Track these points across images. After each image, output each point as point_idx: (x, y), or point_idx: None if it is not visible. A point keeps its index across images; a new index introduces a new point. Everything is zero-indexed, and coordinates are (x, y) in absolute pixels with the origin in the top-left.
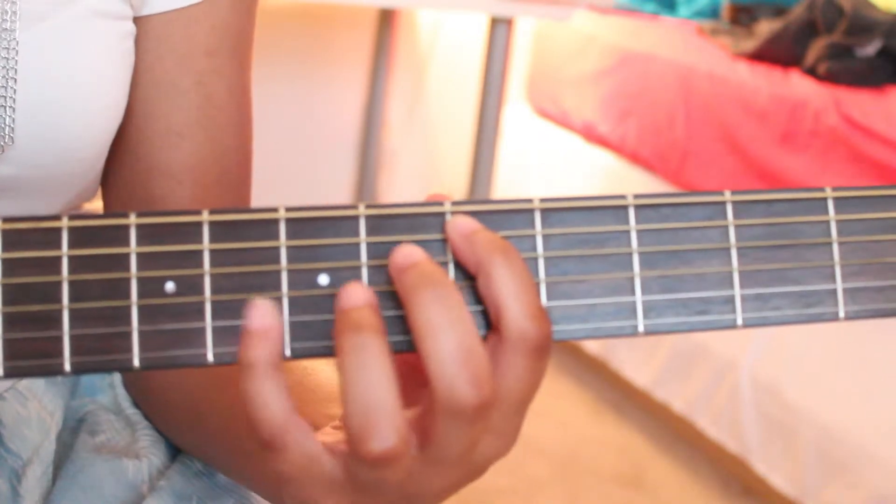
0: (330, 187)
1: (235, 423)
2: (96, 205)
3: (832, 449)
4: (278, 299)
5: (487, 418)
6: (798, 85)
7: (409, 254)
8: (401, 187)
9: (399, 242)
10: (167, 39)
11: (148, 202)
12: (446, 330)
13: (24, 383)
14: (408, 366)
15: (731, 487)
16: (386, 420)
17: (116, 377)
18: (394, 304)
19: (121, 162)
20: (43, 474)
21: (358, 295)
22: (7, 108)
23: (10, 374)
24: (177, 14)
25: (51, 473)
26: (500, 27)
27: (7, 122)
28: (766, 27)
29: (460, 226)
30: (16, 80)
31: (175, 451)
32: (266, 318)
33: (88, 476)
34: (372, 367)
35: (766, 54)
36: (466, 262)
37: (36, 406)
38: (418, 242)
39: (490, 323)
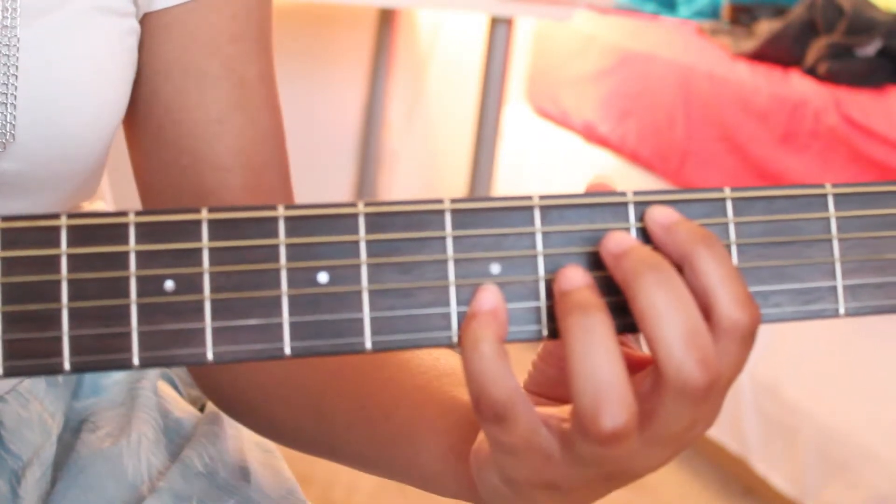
0: (330, 187)
1: (369, 415)
2: (96, 204)
3: (832, 449)
4: (277, 297)
5: (711, 398)
6: (798, 85)
7: (621, 240)
8: (401, 187)
9: (399, 241)
10: (189, 30)
11: (199, 196)
12: (672, 313)
13: (26, 385)
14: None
15: (731, 487)
16: (617, 398)
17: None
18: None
19: (162, 160)
20: (42, 476)
21: (578, 276)
22: (8, 105)
23: (9, 373)
24: (194, 5)
25: (50, 475)
26: (500, 27)
27: (8, 119)
28: (766, 27)
29: (659, 217)
30: (17, 77)
31: (175, 452)
32: (494, 299)
33: (89, 477)
34: (601, 346)
35: (766, 54)
36: (669, 254)
37: (37, 408)
38: (418, 240)
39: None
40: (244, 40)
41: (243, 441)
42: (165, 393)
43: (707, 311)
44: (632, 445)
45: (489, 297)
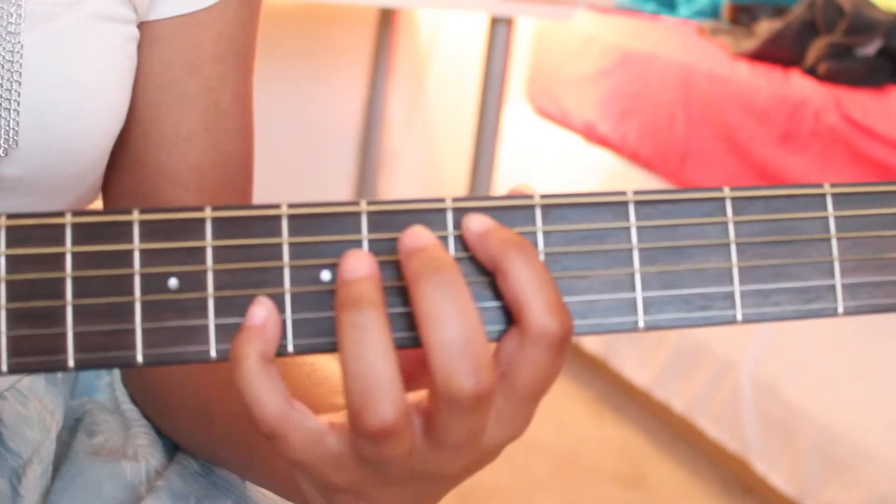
0: (330, 187)
1: (244, 421)
2: (97, 205)
3: (832, 449)
4: (281, 295)
5: (488, 408)
6: (798, 85)
7: (417, 236)
8: (401, 187)
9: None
10: (174, 45)
11: (153, 206)
12: (448, 319)
13: (25, 383)
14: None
15: (731, 487)
16: (384, 395)
17: (115, 374)
18: (401, 300)
19: (127, 167)
20: (43, 473)
21: (360, 266)
22: (12, 111)
23: (14, 370)
24: (184, 20)
25: (50, 473)
26: (500, 27)
27: (11, 125)
28: (766, 27)
29: (474, 224)
30: (20, 83)
31: (172, 452)
32: (259, 314)
33: (87, 477)
34: (371, 344)
35: (767, 54)
36: (482, 261)
37: (36, 405)
38: None
39: (511, 318)
40: (225, 61)
41: None
42: None
43: (518, 317)
44: (412, 446)
45: (260, 311)
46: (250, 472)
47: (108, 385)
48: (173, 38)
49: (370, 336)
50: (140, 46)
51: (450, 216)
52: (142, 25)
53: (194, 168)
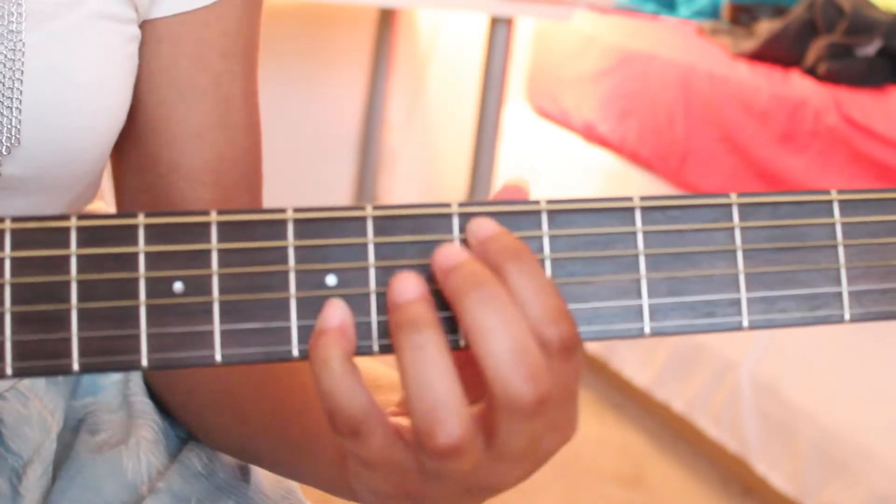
0: (330, 187)
1: (282, 417)
2: (96, 205)
3: (832, 449)
4: (286, 300)
5: (546, 413)
6: (798, 85)
7: (451, 255)
8: (401, 187)
9: (406, 243)
10: (180, 42)
11: (170, 205)
12: (498, 330)
13: (25, 382)
14: (466, 357)
15: (731, 487)
16: (450, 415)
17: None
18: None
19: (140, 167)
20: (43, 473)
21: (411, 288)
22: (14, 110)
23: (18, 373)
24: (187, 17)
25: (51, 473)
26: (500, 27)
27: (14, 123)
28: (766, 27)
29: (476, 230)
30: (22, 81)
31: (175, 452)
32: (335, 316)
33: (88, 477)
34: (433, 364)
35: (766, 54)
36: (486, 265)
37: (37, 405)
38: (426, 243)
39: None
40: (232, 57)
41: None
42: None
43: None
44: (475, 460)
45: (336, 312)
46: (289, 468)
47: (113, 383)
48: (178, 36)
49: (430, 356)
50: (145, 45)
51: (455, 221)
52: (144, 24)
53: (209, 164)
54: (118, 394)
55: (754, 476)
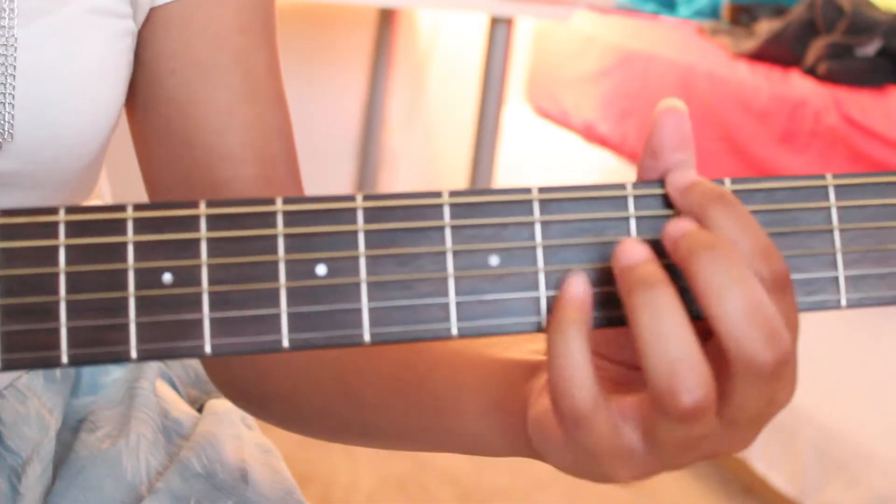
0: (330, 187)
1: (403, 383)
2: (92, 203)
3: (832, 449)
4: (276, 290)
5: (785, 373)
6: (798, 85)
7: (680, 224)
8: (401, 187)
9: (397, 231)
10: (193, 24)
11: (213, 189)
12: (731, 288)
13: (24, 381)
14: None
15: (731, 487)
16: (692, 371)
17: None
18: None
19: (172, 156)
20: (43, 472)
21: (638, 251)
22: (6, 105)
23: (7, 366)
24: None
25: (51, 472)
26: (500, 27)
27: (7, 119)
28: (766, 27)
29: (677, 181)
30: (14, 77)
31: (174, 452)
32: (579, 287)
33: (88, 477)
34: (670, 319)
35: (766, 54)
36: (689, 217)
37: (35, 404)
38: (416, 231)
39: None
40: (251, 32)
41: (242, 441)
42: (164, 393)
43: None
44: (711, 425)
45: (580, 283)
46: (413, 437)
47: (114, 381)
48: (190, 18)
49: (668, 311)
50: (153, 32)
51: (447, 210)
52: (152, 12)
53: (244, 140)
54: (121, 388)
55: (754, 476)
